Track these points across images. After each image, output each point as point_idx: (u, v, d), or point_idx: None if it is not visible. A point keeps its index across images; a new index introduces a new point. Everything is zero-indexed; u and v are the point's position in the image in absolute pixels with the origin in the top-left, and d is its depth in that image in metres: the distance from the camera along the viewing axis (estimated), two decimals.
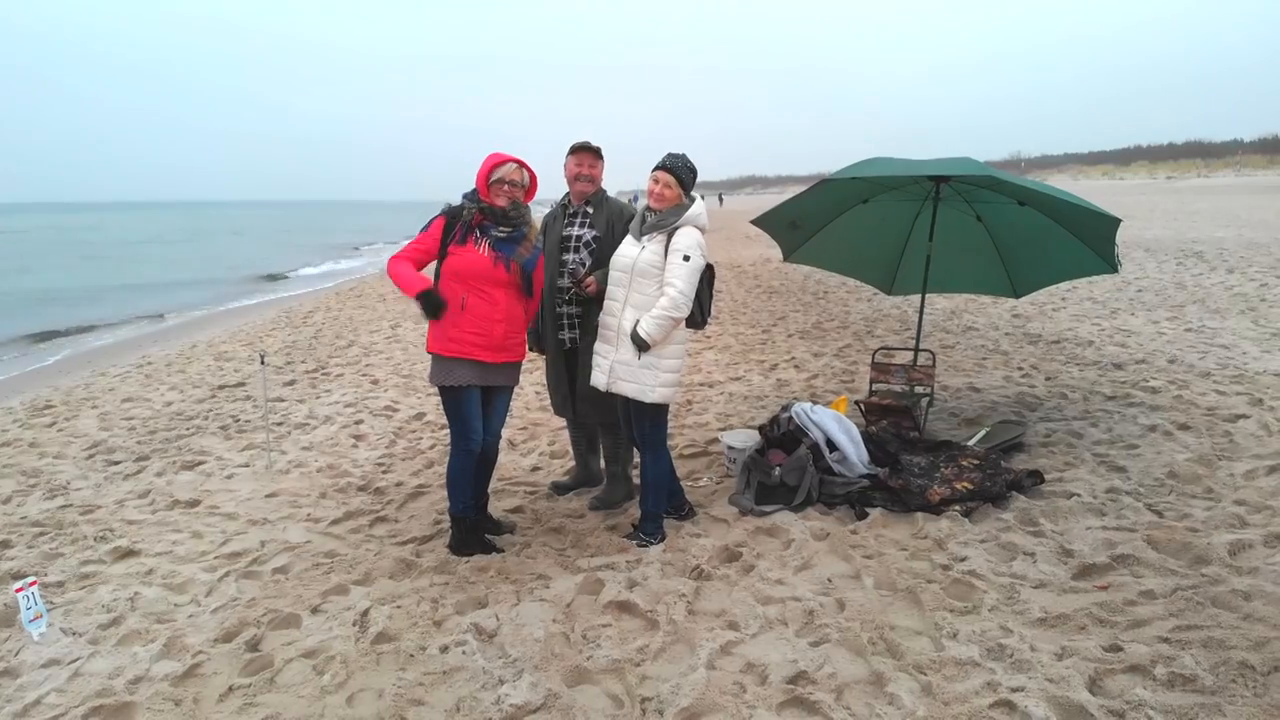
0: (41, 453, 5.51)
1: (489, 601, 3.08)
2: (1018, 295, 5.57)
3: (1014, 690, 2.36)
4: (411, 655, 2.72)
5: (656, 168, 3.34)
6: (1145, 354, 6.71)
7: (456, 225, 3.33)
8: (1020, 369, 6.46)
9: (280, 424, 5.87)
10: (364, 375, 7.47)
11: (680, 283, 3.22)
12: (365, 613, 3.01)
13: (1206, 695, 2.32)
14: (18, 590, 3.08)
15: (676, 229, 3.29)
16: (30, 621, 3.05)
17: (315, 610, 3.08)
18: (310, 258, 30.18)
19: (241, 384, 7.41)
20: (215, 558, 3.62)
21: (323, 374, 7.67)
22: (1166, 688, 2.37)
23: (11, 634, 3.03)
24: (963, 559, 3.20)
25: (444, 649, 2.74)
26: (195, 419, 6.23)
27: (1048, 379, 6.10)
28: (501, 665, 2.64)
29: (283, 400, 6.64)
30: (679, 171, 3.32)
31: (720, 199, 70.66)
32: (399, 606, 3.05)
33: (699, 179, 3.41)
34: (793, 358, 7.33)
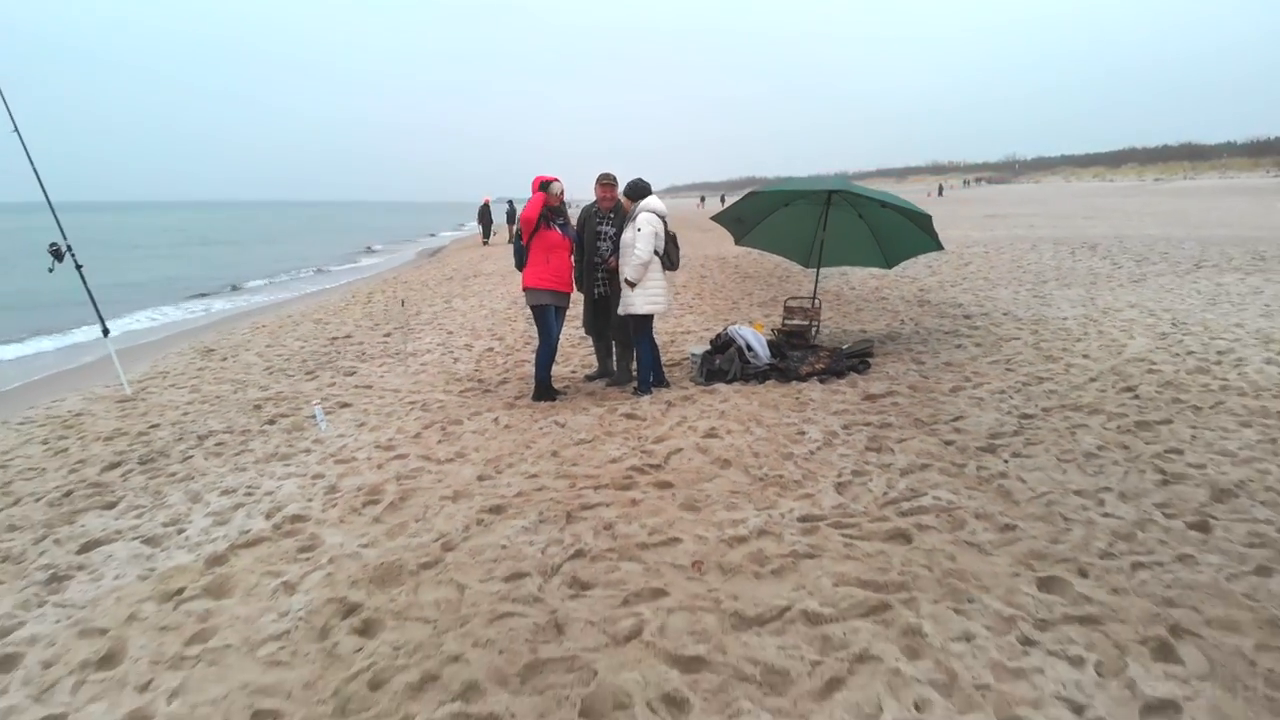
0: (234, 372, 8.31)
1: (559, 415, 5.90)
2: (889, 266, 8.40)
3: (807, 423, 5.18)
4: (524, 430, 5.53)
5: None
6: (992, 309, 9.52)
7: (541, 220, 6.16)
8: (900, 319, 9.28)
9: (397, 354, 8.69)
10: (440, 329, 10.30)
11: (640, 244, 6.03)
12: (495, 419, 5.82)
13: (910, 435, 5.13)
14: (315, 405, 5.93)
15: (636, 215, 6.13)
16: (321, 420, 5.89)
17: (468, 419, 5.90)
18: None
19: (349, 335, 10.23)
20: (399, 404, 6.44)
21: (408, 330, 10.49)
22: (884, 434, 5.18)
23: (304, 433, 5.84)
24: (809, 394, 6.02)
25: (542, 430, 5.55)
26: (329, 354, 9.04)
27: (915, 324, 8.91)
28: (570, 433, 5.45)
29: (389, 340, 9.45)
30: (625, 190, 6.26)
31: (723, 200, 73.56)
32: (512, 418, 5.86)
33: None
34: (750, 320, 10.14)
